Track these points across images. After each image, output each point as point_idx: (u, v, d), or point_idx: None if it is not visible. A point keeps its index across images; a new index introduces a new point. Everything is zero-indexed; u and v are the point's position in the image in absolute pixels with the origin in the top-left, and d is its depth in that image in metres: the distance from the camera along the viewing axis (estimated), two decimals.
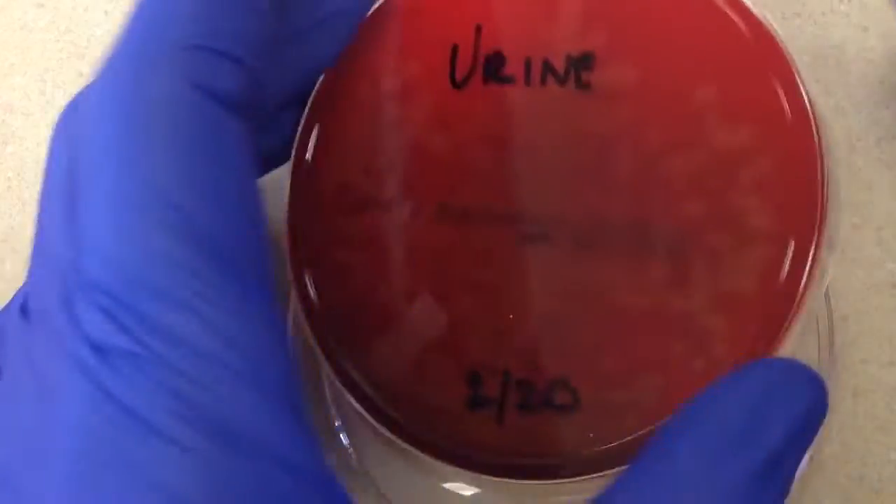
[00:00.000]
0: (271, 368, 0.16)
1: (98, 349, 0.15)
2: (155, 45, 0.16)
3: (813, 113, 0.20)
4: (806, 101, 0.20)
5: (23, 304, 0.17)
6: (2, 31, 0.30)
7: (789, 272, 0.19)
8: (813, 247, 0.19)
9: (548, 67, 0.21)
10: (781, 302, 0.19)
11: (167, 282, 0.15)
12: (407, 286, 0.21)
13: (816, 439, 0.21)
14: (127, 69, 0.16)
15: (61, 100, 0.29)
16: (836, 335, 0.25)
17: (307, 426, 0.16)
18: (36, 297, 0.16)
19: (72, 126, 0.17)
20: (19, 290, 0.19)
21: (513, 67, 0.21)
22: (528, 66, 0.21)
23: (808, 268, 0.19)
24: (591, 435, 0.19)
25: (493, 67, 0.21)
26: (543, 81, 0.21)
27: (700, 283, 0.19)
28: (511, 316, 0.20)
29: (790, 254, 0.19)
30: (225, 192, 0.16)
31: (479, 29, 0.22)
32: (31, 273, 0.17)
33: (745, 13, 0.20)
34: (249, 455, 0.15)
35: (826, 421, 0.23)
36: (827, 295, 0.25)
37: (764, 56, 0.20)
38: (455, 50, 0.22)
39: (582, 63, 0.21)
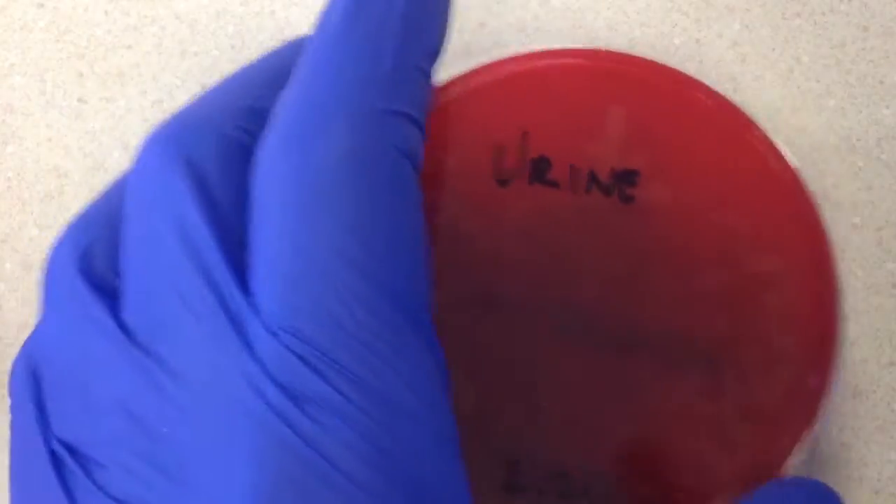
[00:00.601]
0: (446, 416, 0.16)
1: (286, 390, 0.15)
2: (355, 105, 0.17)
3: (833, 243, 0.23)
4: (826, 234, 0.22)
5: (120, 323, 0.16)
6: (2, 31, 0.30)
7: (811, 389, 0.21)
8: (832, 367, 0.22)
9: (593, 177, 0.23)
10: (804, 414, 0.21)
11: (359, 327, 0.15)
12: None
13: (815, 440, 0.22)
14: (327, 123, 0.16)
15: (61, 100, 0.29)
16: None
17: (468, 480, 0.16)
18: (151, 318, 0.16)
19: (201, 162, 0.17)
20: (43, 319, 0.18)
21: (558, 173, 0.23)
22: (573, 173, 0.23)
23: (828, 386, 0.21)
24: None
25: (539, 170, 0.23)
26: (588, 190, 0.23)
27: (729, 394, 0.21)
28: (548, 406, 0.22)
29: (814, 374, 0.22)
30: (412, 244, 0.17)
31: (525, 133, 0.23)
32: (131, 289, 0.17)
33: (776, 152, 0.23)
34: None
35: (826, 420, 0.23)
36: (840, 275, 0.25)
37: (790, 192, 0.23)
38: (501, 149, 0.23)
39: (627, 178, 0.23)
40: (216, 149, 0.17)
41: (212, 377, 0.15)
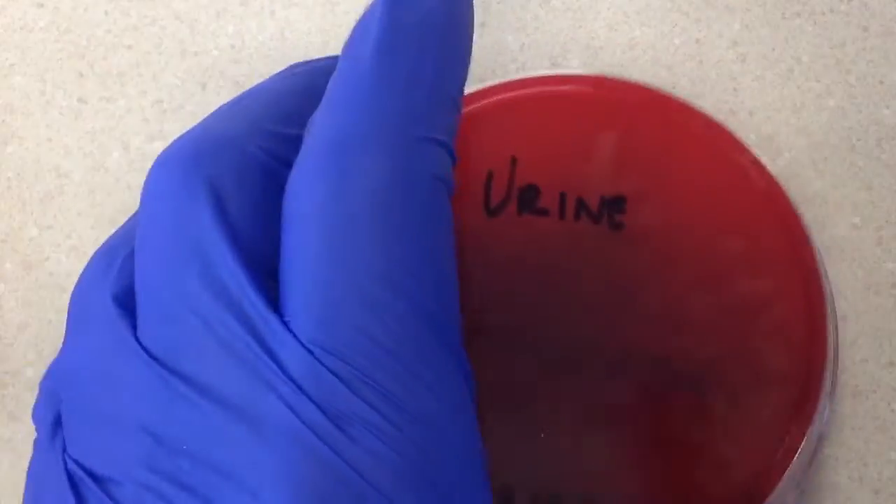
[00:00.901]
0: (474, 432, 0.16)
1: (321, 407, 0.15)
2: (393, 132, 0.17)
3: (823, 263, 0.23)
4: (816, 254, 0.23)
5: (143, 347, 0.16)
6: (2, 31, 0.30)
7: (803, 409, 0.22)
8: (824, 386, 0.22)
9: (582, 205, 0.23)
10: (795, 434, 0.21)
11: (395, 346, 0.15)
12: None
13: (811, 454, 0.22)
14: (366, 149, 0.16)
15: (61, 100, 0.29)
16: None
17: None
18: (170, 340, 0.16)
19: (221, 183, 0.17)
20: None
21: (547, 201, 0.23)
22: (562, 200, 0.23)
23: (819, 404, 0.22)
24: None
25: (528, 198, 0.23)
26: (577, 217, 0.23)
27: (720, 414, 0.22)
28: (542, 435, 0.22)
29: (803, 392, 0.22)
30: (447, 265, 0.17)
31: (514, 161, 0.23)
32: (147, 312, 0.16)
33: (764, 174, 0.23)
34: None
35: (826, 420, 0.23)
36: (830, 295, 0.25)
37: (778, 213, 0.23)
38: (490, 177, 0.23)
39: (615, 205, 0.23)
40: (237, 170, 0.17)
41: (242, 396, 0.15)
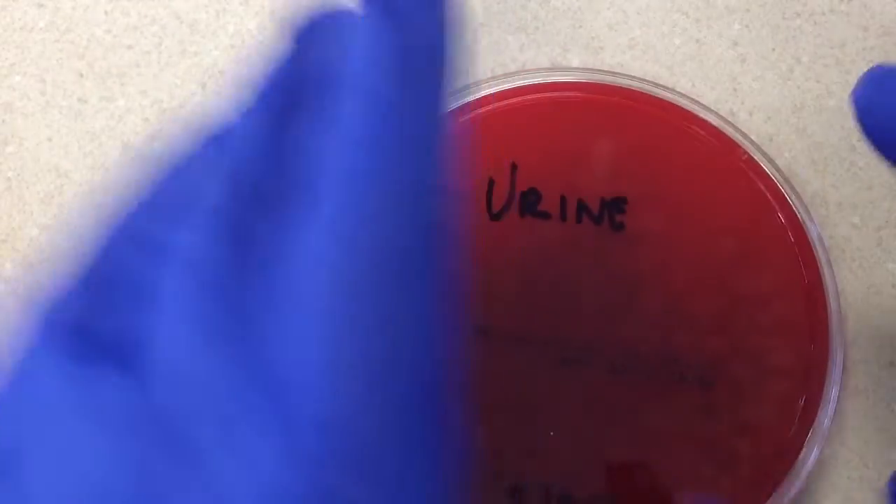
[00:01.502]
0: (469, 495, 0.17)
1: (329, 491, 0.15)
2: (411, 182, 0.17)
3: (824, 260, 0.23)
4: (818, 248, 0.23)
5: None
6: (2, 31, 0.30)
7: (806, 402, 0.22)
8: (826, 381, 0.22)
9: (583, 206, 0.23)
10: (800, 427, 0.22)
11: (398, 423, 0.15)
12: None
13: (818, 440, 0.22)
14: (386, 201, 0.16)
15: (61, 100, 0.29)
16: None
17: None
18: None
19: None
20: None
21: (548, 204, 0.23)
22: (563, 203, 0.23)
23: (822, 399, 0.22)
24: None
25: (530, 202, 0.23)
26: (579, 219, 0.23)
27: (725, 410, 0.22)
28: (551, 433, 0.22)
29: (806, 387, 0.22)
30: (453, 317, 0.17)
31: (514, 166, 0.23)
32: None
33: (760, 172, 0.24)
34: None
35: (825, 419, 0.23)
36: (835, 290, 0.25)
37: (776, 210, 0.23)
38: (491, 184, 0.23)
39: (615, 206, 0.23)
40: None
41: (247, 470, 0.15)
